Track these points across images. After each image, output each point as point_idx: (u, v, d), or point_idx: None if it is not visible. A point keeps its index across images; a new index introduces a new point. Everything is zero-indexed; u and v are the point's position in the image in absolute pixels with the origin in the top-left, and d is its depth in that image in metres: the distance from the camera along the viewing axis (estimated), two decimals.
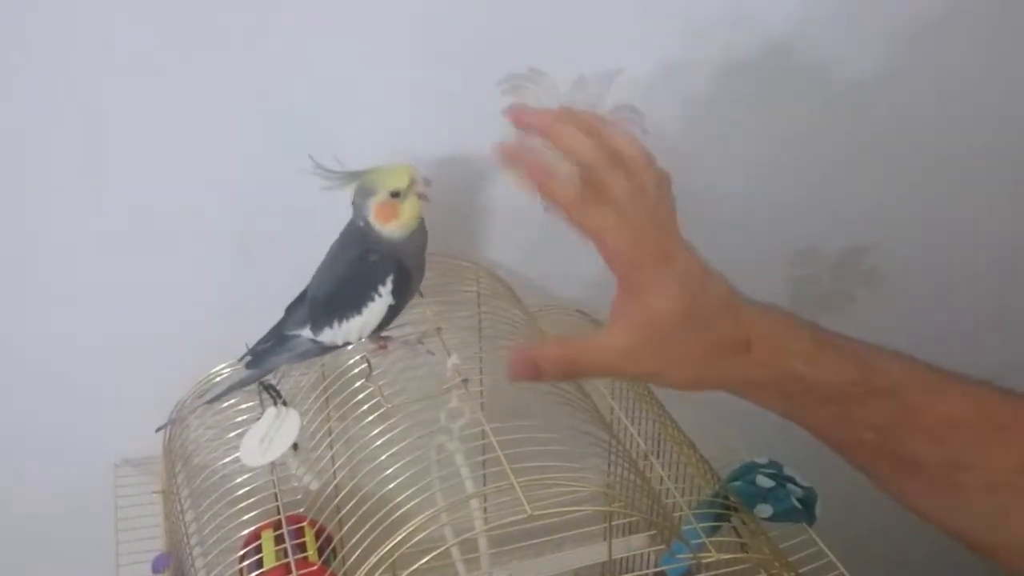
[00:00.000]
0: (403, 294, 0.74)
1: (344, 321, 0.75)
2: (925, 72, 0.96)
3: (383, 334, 0.78)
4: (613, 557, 0.85)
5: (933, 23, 0.94)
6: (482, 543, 0.69)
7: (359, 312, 0.74)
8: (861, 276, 1.06)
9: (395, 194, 0.71)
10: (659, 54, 0.87)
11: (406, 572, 0.61)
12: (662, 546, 0.78)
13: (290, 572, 0.74)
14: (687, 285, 0.53)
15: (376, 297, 0.74)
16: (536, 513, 0.59)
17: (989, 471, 0.54)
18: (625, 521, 0.80)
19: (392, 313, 0.75)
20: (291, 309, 0.79)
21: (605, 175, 0.54)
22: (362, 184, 0.71)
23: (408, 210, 0.72)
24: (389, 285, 0.73)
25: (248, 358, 0.79)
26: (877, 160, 1.00)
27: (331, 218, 0.78)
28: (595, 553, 0.91)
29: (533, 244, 0.94)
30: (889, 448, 0.55)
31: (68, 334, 0.84)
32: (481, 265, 0.89)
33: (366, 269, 0.73)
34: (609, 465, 0.86)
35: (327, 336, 0.76)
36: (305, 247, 0.80)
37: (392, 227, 0.72)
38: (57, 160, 0.78)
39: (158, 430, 0.84)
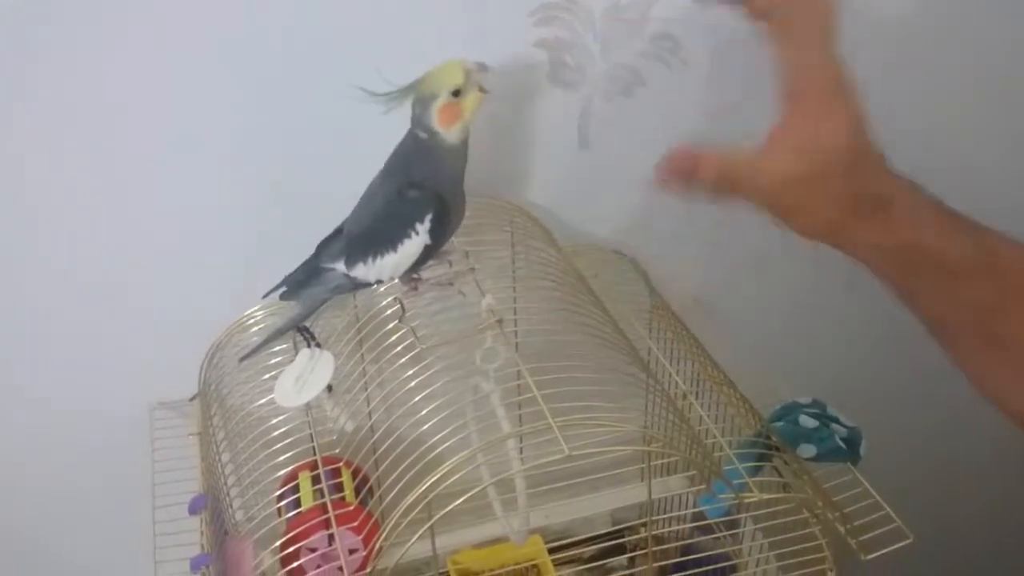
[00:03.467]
0: (441, 233, 0.72)
1: (378, 257, 0.73)
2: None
3: (415, 275, 0.77)
4: (652, 498, 0.85)
5: None
6: (519, 483, 0.68)
7: (394, 249, 0.73)
8: None
9: (456, 92, 0.69)
10: None
11: (442, 512, 0.60)
12: (702, 486, 0.77)
13: (327, 512, 0.74)
14: (858, 125, 0.53)
15: (412, 235, 0.72)
16: (574, 453, 0.58)
17: None
18: (664, 461, 0.79)
19: (428, 253, 0.73)
20: (325, 243, 0.78)
21: None
22: (420, 92, 0.69)
23: (470, 105, 0.70)
24: (427, 223, 0.71)
25: (283, 289, 0.78)
26: (911, 88, 0.96)
27: (365, 156, 0.77)
28: (632, 494, 0.91)
29: (567, 183, 0.92)
30: (986, 326, 0.55)
31: (101, 280, 0.84)
32: (515, 204, 0.87)
33: (404, 205, 0.72)
34: (647, 406, 0.85)
35: (360, 272, 0.75)
36: (338, 187, 0.79)
37: (456, 129, 0.70)
38: (88, 95, 0.76)
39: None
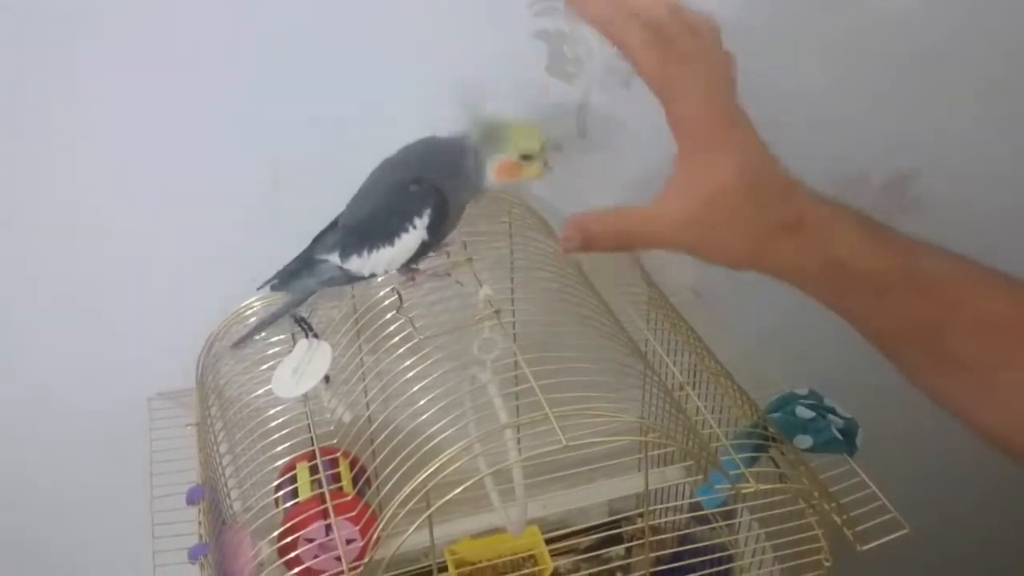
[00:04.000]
0: (439, 230, 0.72)
1: (374, 251, 0.73)
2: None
3: (413, 266, 0.76)
4: (649, 488, 0.85)
5: None
6: (516, 474, 0.68)
7: (391, 243, 0.72)
8: (904, 205, 1.03)
9: (526, 156, 0.69)
10: None
11: (440, 502, 0.60)
12: (699, 477, 0.78)
13: (325, 503, 0.74)
14: (749, 160, 0.54)
15: (411, 229, 0.71)
16: (571, 443, 0.58)
17: None
18: (661, 452, 0.79)
19: (424, 249, 0.73)
20: (321, 235, 0.77)
21: (678, 34, 0.54)
22: (491, 134, 0.69)
23: (530, 173, 0.70)
24: (426, 218, 0.71)
25: (275, 280, 0.77)
26: (921, 85, 0.96)
27: (364, 152, 0.77)
28: (629, 484, 0.91)
29: (565, 174, 0.91)
30: (930, 343, 0.55)
31: (99, 268, 0.84)
32: (513, 195, 0.87)
33: (405, 198, 0.71)
34: (645, 396, 0.85)
35: (354, 264, 0.74)
36: (337, 180, 0.79)
37: (500, 182, 0.70)
38: (86, 94, 0.77)
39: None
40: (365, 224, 0.73)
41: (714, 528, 0.87)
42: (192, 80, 0.78)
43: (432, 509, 0.60)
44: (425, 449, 0.66)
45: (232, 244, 0.86)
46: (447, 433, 0.67)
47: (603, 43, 0.85)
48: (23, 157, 0.78)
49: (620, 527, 0.97)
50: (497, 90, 0.83)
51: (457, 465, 0.61)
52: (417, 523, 0.60)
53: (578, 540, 0.95)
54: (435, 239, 0.73)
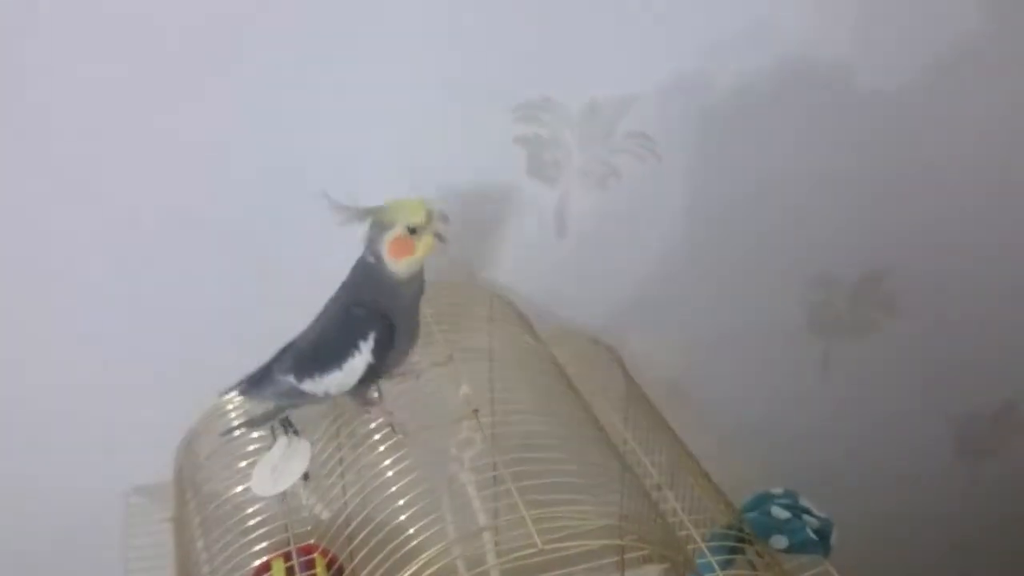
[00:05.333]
0: (384, 353, 0.72)
1: (325, 374, 0.73)
2: (946, 97, 0.96)
3: (371, 394, 0.77)
4: None
5: (957, 46, 0.94)
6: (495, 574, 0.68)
7: (339, 367, 0.72)
8: (879, 302, 1.05)
9: (412, 230, 0.69)
10: (673, 73, 0.87)
11: None
12: None
13: None
14: None
15: (356, 353, 0.71)
16: (547, 547, 0.58)
17: None
18: (638, 554, 0.78)
19: (373, 372, 0.73)
20: (281, 353, 0.78)
21: None
22: (378, 218, 0.69)
23: (423, 247, 0.70)
24: (370, 342, 0.71)
25: (242, 386, 0.78)
26: (894, 183, 0.99)
27: (349, 250, 0.79)
28: None
29: (545, 271, 0.94)
30: None
31: (76, 361, 0.85)
32: (494, 290, 0.89)
33: (349, 322, 0.72)
34: (622, 497, 0.85)
35: (308, 386, 0.74)
36: (320, 277, 0.80)
37: (404, 263, 0.70)
38: (65, 168, 0.79)
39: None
40: (315, 347, 0.74)
41: None
42: (175, 161, 0.80)
43: None
44: (405, 550, 0.66)
45: (212, 338, 0.87)
46: (426, 534, 0.67)
47: (580, 147, 0.88)
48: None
49: None
50: (480, 192, 0.86)
51: (437, 567, 0.61)
52: None
53: None
54: (383, 362, 0.72)
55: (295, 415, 0.81)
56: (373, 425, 0.76)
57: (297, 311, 0.82)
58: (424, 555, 0.61)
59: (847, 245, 1.01)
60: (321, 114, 0.81)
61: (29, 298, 0.82)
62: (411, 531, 0.68)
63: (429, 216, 0.69)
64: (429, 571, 0.60)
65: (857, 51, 0.91)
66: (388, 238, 0.69)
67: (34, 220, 0.79)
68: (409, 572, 0.61)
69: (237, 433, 0.82)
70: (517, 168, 0.88)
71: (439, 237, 0.70)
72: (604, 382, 0.93)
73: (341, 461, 0.82)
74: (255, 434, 0.83)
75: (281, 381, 0.76)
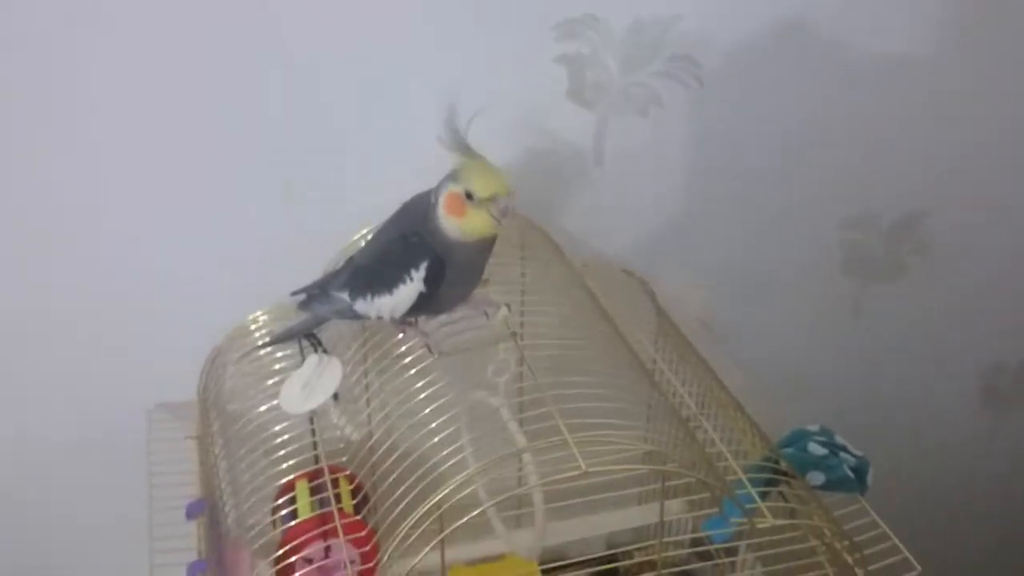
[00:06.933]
0: (437, 283, 0.69)
1: (377, 296, 0.72)
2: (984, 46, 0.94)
3: (411, 319, 0.74)
4: (654, 521, 0.84)
5: None
6: (537, 498, 0.67)
7: (389, 292, 0.70)
8: (914, 245, 1.03)
9: (469, 195, 0.65)
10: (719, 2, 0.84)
11: (455, 524, 0.59)
12: (704, 511, 0.76)
13: (325, 523, 0.73)
14: None
15: (408, 280, 0.69)
16: (591, 469, 0.57)
17: None
18: (672, 483, 0.77)
19: (424, 301, 0.70)
20: (339, 270, 0.76)
21: None
22: (457, 168, 0.66)
23: (474, 219, 0.66)
24: (422, 271, 0.68)
25: (303, 296, 0.77)
26: (933, 127, 0.97)
27: (376, 172, 0.77)
28: (632, 516, 0.89)
29: (580, 200, 0.92)
30: None
31: (103, 276, 0.83)
32: (527, 218, 0.87)
33: (403, 249, 0.69)
34: (657, 425, 0.84)
35: (360, 307, 0.73)
36: (346, 200, 0.79)
37: (451, 223, 0.66)
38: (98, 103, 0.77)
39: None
40: (369, 269, 0.73)
41: (717, 564, 0.86)
42: (203, 91, 0.78)
43: (447, 531, 0.59)
44: (434, 472, 0.65)
45: (239, 257, 0.85)
46: (457, 457, 0.66)
47: (623, 69, 0.85)
48: (24, 160, 0.78)
49: (618, 561, 0.95)
50: (521, 115, 0.83)
51: (472, 488, 0.59)
52: (432, 544, 0.59)
53: (575, 572, 0.93)
54: (435, 290, 0.69)
55: (324, 335, 0.79)
56: (404, 348, 0.74)
57: (324, 235, 0.83)
58: (461, 475, 0.60)
59: (885, 185, 0.99)
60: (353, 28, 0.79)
61: (55, 213, 0.80)
62: (444, 453, 0.67)
63: (495, 194, 0.65)
64: (467, 490, 0.59)
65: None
66: (448, 189, 0.66)
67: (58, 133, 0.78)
68: (447, 490, 0.59)
69: (265, 351, 0.80)
70: (557, 90, 0.85)
71: (495, 219, 0.66)
72: (635, 314, 0.91)
73: (369, 382, 0.81)
74: (280, 353, 0.82)
75: (336, 298, 0.74)
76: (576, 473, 0.57)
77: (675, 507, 0.88)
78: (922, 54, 0.92)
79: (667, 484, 0.80)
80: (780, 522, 0.65)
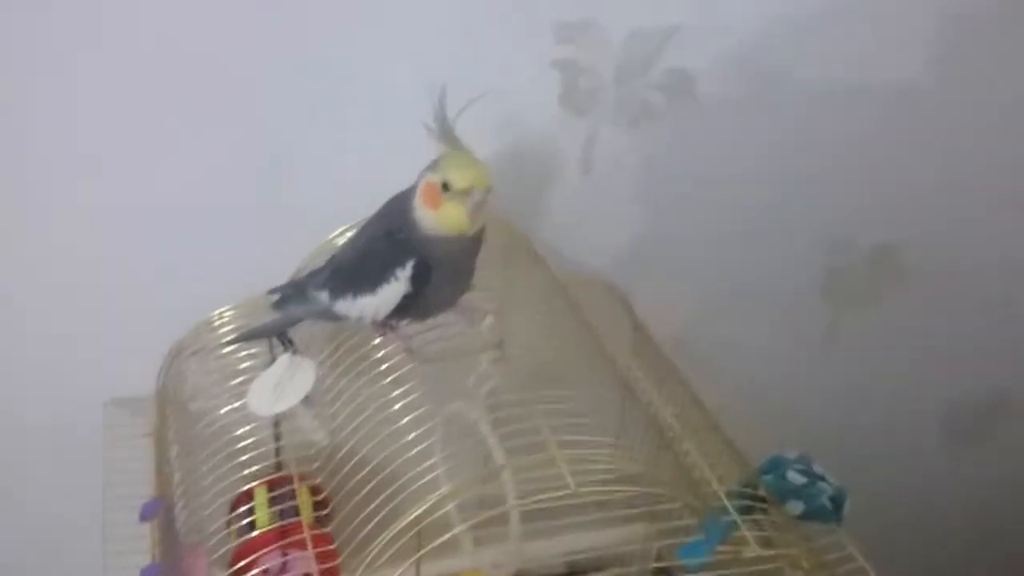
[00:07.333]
0: (423, 283, 0.66)
1: (359, 297, 0.68)
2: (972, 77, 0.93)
3: (392, 322, 0.71)
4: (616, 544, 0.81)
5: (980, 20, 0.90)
6: (514, 517, 0.64)
7: (373, 292, 0.67)
8: (892, 273, 1.03)
9: (446, 186, 0.62)
10: (717, 13, 0.83)
11: (434, 543, 0.56)
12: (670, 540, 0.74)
13: (283, 533, 0.70)
14: None
15: (392, 280, 0.66)
16: (581, 490, 0.54)
17: None
18: (657, 508, 0.74)
19: (409, 303, 0.67)
20: (318, 270, 0.73)
21: None
22: (440, 156, 0.63)
23: (449, 211, 0.62)
24: (408, 270, 0.65)
25: (277, 296, 0.74)
26: (918, 156, 0.96)
27: (355, 168, 0.75)
28: (593, 539, 0.87)
29: (565, 209, 0.90)
30: None
31: (58, 260, 0.80)
32: (510, 225, 0.84)
33: (388, 247, 0.66)
34: (637, 444, 0.82)
35: (341, 307, 0.70)
36: (321, 197, 0.78)
37: (426, 214, 0.63)
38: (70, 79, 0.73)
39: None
40: (352, 267, 0.69)
41: None
42: (181, 74, 0.75)
43: (425, 550, 0.56)
44: (414, 486, 0.63)
45: (205, 250, 0.82)
46: (435, 472, 0.64)
47: (617, 78, 0.83)
48: None
49: None
50: (509, 116, 0.81)
51: (453, 504, 0.57)
52: (410, 561, 0.56)
53: None
54: (420, 291, 0.66)
55: (296, 334, 0.76)
56: (381, 353, 0.71)
57: (297, 232, 0.80)
58: (438, 492, 0.57)
59: (869, 211, 0.99)
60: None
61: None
62: (416, 469, 0.64)
63: (471, 187, 0.61)
64: (447, 507, 0.57)
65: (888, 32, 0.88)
66: (426, 178, 0.63)
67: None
68: (425, 506, 0.57)
69: (231, 348, 0.77)
70: (550, 94, 0.83)
71: (469, 213, 0.62)
72: (612, 329, 0.89)
73: (340, 388, 0.77)
74: (244, 352, 0.78)
75: (314, 297, 0.71)
76: (564, 493, 0.55)
77: (639, 531, 0.86)
78: (913, 82, 0.91)
79: (640, 509, 0.78)
80: (767, 552, 0.63)
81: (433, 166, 0.63)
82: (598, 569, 0.80)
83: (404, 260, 0.65)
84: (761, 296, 1.01)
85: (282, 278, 0.78)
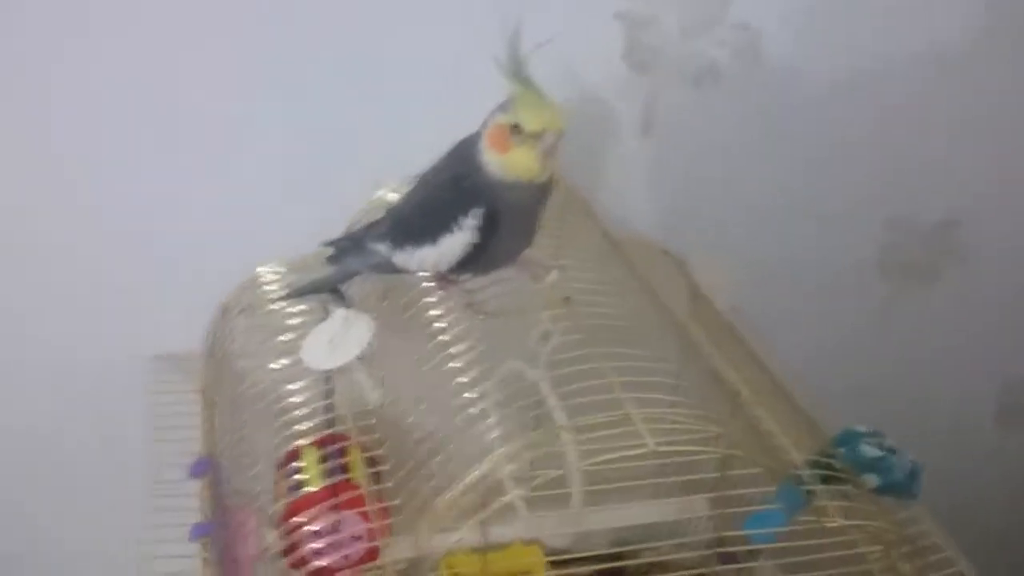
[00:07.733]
0: (490, 233, 0.62)
1: (419, 248, 0.65)
2: None
3: (452, 276, 0.68)
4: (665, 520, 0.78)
5: None
6: (577, 479, 0.61)
7: (435, 243, 0.64)
8: (950, 250, 1.00)
9: (517, 128, 0.59)
10: None
11: (499, 502, 0.53)
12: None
13: (337, 494, 0.67)
14: None
15: (455, 229, 0.62)
16: (660, 449, 0.51)
17: None
18: (680, 480, 0.71)
19: (475, 254, 0.63)
20: (376, 222, 0.71)
21: None
22: (510, 96, 0.59)
23: (518, 156, 0.59)
24: (474, 219, 0.61)
25: (332, 250, 0.71)
26: (979, 133, 0.93)
27: (395, 123, 0.74)
28: (654, 512, 0.84)
29: (623, 170, 0.87)
30: None
31: (113, 217, 0.79)
32: (568, 185, 0.81)
33: (453, 195, 0.62)
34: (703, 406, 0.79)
35: (400, 259, 0.67)
36: (371, 139, 0.76)
37: (493, 158, 0.60)
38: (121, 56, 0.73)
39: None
40: (412, 217, 0.67)
41: (741, 569, 0.80)
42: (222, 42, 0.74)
43: (490, 510, 0.53)
44: (471, 446, 0.60)
45: (253, 209, 0.80)
46: (496, 431, 0.61)
47: (683, 36, 0.80)
48: (26, 111, 0.74)
49: (624, 559, 0.90)
50: (569, 71, 0.78)
51: (516, 465, 0.54)
52: (473, 520, 0.53)
53: (580, 568, 0.87)
54: (487, 242, 0.63)
55: (349, 290, 0.73)
56: (436, 312, 0.68)
57: (346, 186, 0.78)
58: (499, 451, 0.55)
59: (929, 187, 0.96)
60: None
61: (59, 151, 0.76)
62: (474, 429, 0.61)
63: (543, 130, 0.58)
64: (508, 468, 0.54)
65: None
66: (495, 120, 0.60)
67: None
68: (489, 465, 0.54)
69: (280, 305, 0.74)
70: (612, 49, 0.80)
71: (542, 156, 0.59)
72: (669, 295, 0.86)
73: (392, 348, 0.75)
74: (293, 309, 0.75)
75: (372, 251, 0.68)
76: (641, 451, 0.52)
77: (698, 504, 0.83)
78: (962, 56, 0.88)
79: (703, 476, 0.75)
80: (848, 522, 0.60)
81: (504, 106, 0.59)
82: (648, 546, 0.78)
83: (470, 208, 0.61)
84: (817, 269, 0.98)
85: (330, 232, 0.75)
